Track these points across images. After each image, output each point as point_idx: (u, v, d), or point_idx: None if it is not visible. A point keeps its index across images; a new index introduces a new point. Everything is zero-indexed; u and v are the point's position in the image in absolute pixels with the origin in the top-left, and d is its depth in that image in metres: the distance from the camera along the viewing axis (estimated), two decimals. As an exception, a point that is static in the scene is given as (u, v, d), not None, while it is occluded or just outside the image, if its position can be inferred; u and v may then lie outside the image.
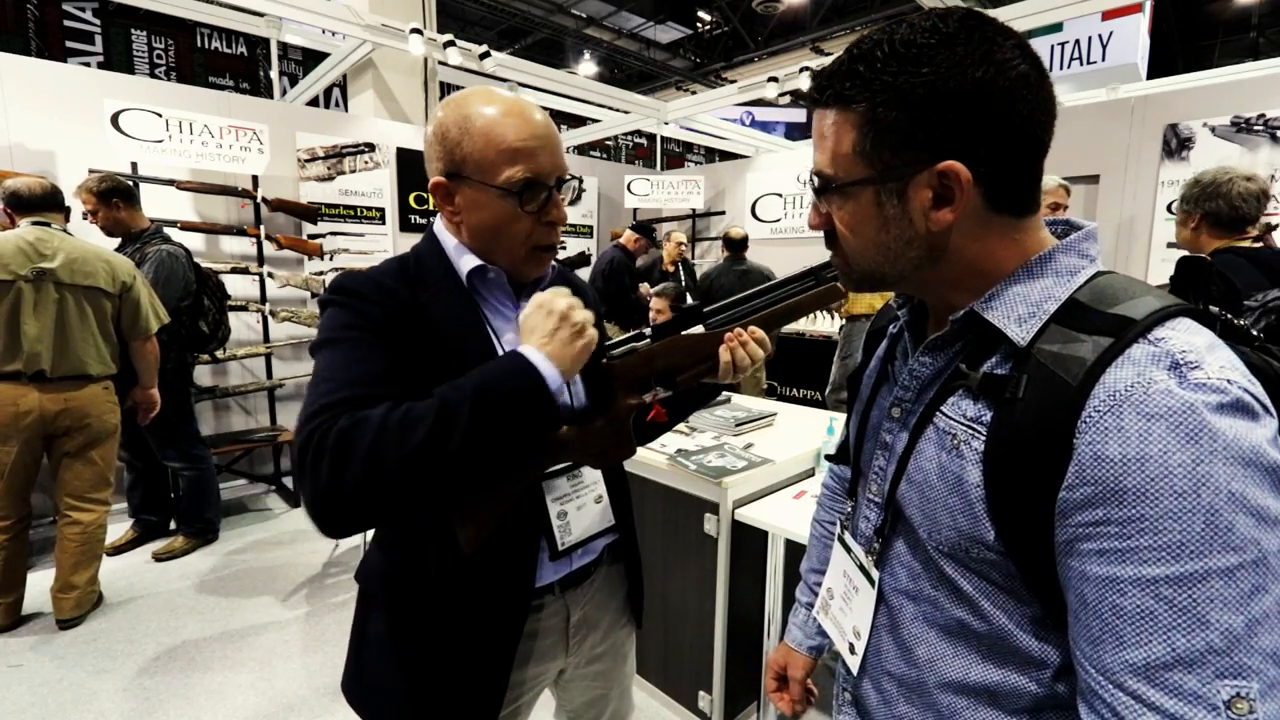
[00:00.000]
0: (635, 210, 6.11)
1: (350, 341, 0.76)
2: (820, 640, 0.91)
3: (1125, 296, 0.51)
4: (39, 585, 2.57)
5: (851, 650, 0.70)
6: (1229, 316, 0.53)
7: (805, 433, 2.24)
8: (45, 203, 2.38)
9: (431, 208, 4.66)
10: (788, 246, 5.64)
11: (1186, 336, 0.47)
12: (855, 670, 0.69)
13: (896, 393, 0.65)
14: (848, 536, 0.73)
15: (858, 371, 0.80)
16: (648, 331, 0.86)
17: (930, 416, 0.59)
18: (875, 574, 0.66)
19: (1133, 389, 0.45)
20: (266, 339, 3.93)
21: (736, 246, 4.62)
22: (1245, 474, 0.43)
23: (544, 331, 0.75)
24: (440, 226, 0.90)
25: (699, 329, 0.82)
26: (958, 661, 0.58)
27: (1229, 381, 0.44)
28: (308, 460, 0.66)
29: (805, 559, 0.97)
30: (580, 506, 0.93)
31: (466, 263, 0.86)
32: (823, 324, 5.22)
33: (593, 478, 0.96)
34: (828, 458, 0.94)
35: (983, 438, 0.53)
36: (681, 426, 2.21)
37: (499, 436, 0.70)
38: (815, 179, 0.59)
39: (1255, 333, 0.54)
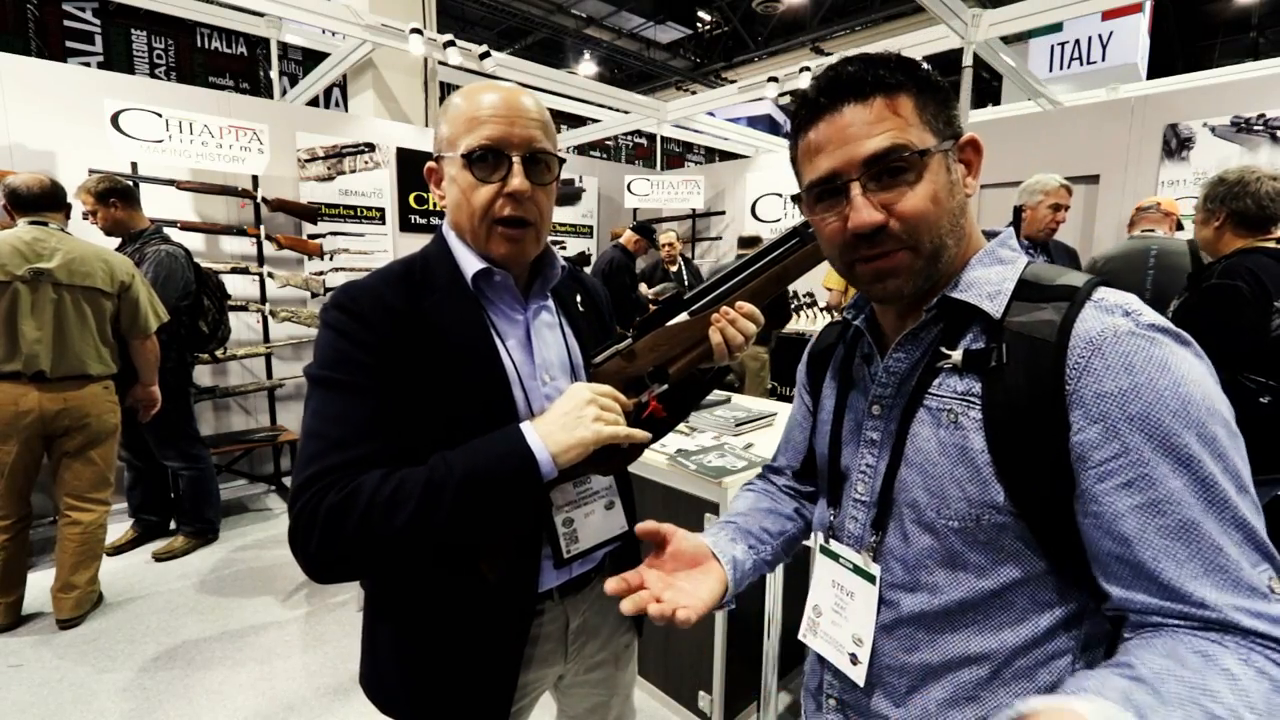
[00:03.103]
0: (635, 210, 6.12)
1: (340, 386, 0.76)
2: (733, 548, 0.76)
3: (1061, 274, 0.61)
4: (39, 585, 2.57)
5: (854, 660, 0.68)
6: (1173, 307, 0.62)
7: (805, 433, 2.24)
8: (43, 202, 2.37)
9: (431, 208, 4.67)
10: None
11: (1119, 295, 0.57)
12: (861, 680, 0.67)
13: (875, 391, 0.68)
14: (834, 544, 0.73)
15: (814, 391, 0.82)
16: (633, 331, 0.84)
17: (919, 401, 0.63)
18: (875, 569, 0.67)
19: (1104, 333, 0.53)
20: (266, 339, 3.93)
21: (745, 244, 4.64)
22: (1211, 394, 0.52)
23: (558, 413, 0.76)
24: (447, 226, 0.90)
25: (683, 317, 0.81)
26: (957, 636, 0.61)
27: (1168, 323, 0.54)
28: (300, 532, 0.71)
29: (733, 508, 0.88)
30: (589, 514, 0.91)
31: (471, 266, 0.85)
32: (823, 324, 5.22)
33: (603, 484, 0.94)
34: (795, 475, 0.88)
35: (978, 406, 0.58)
36: (681, 426, 2.21)
37: (484, 515, 0.72)
38: (892, 154, 0.57)
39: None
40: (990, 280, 0.61)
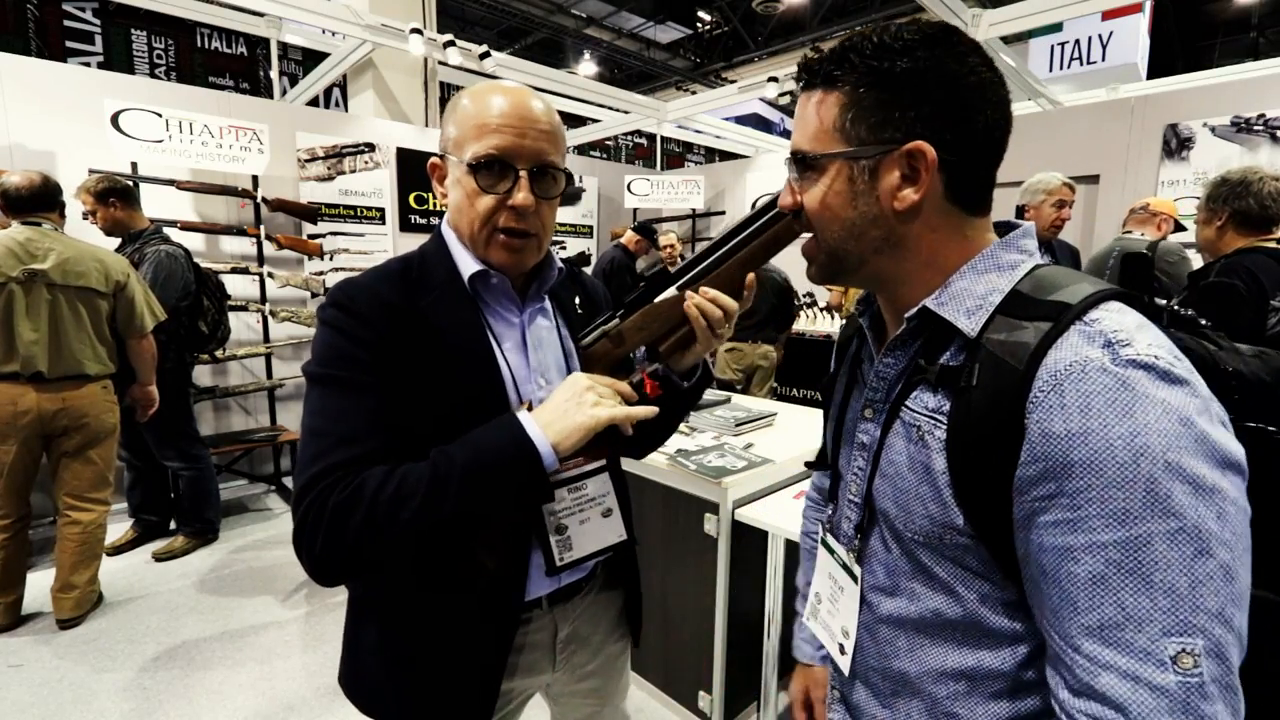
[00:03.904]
0: (635, 210, 6.12)
1: (340, 384, 0.76)
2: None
3: (1062, 285, 0.55)
4: (39, 585, 2.57)
5: (841, 650, 0.71)
6: (1168, 303, 0.56)
7: (805, 433, 2.24)
8: (36, 202, 2.36)
9: (431, 208, 4.67)
10: (790, 246, 5.64)
11: (1117, 317, 0.51)
12: (846, 670, 0.70)
13: (866, 394, 0.68)
14: (830, 539, 0.75)
15: (830, 380, 0.82)
16: (621, 311, 0.83)
17: (897, 411, 0.62)
18: (858, 570, 0.68)
19: (1071, 368, 0.49)
20: (266, 339, 3.93)
21: None
22: (1179, 444, 0.45)
23: (558, 401, 0.76)
24: (445, 224, 0.89)
25: (671, 292, 0.79)
26: (936, 650, 0.60)
27: (1156, 356, 0.48)
28: (305, 532, 0.71)
29: (800, 572, 0.97)
30: (583, 521, 0.89)
31: (468, 267, 0.84)
32: (823, 324, 5.22)
33: (599, 490, 0.90)
34: (808, 465, 0.93)
35: (944, 426, 0.56)
36: (681, 426, 2.21)
37: (488, 507, 0.72)
38: (793, 156, 0.63)
39: (1191, 314, 0.58)
40: (975, 292, 0.57)
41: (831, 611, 0.74)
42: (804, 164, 0.62)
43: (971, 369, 0.55)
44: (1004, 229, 0.63)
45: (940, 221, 0.59)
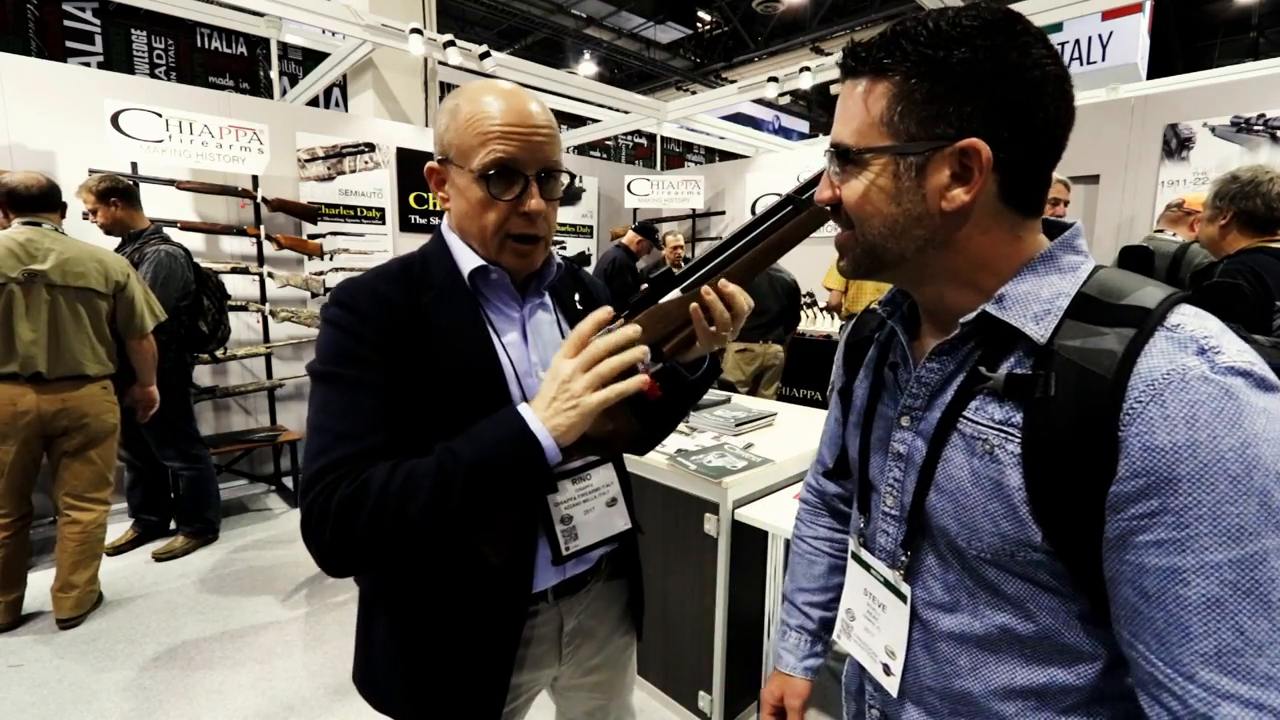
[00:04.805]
0: (635, 210, 6.12)
1: (344, 381, 0.77)
2: (815, 661, 0.89)
3: (1131, 288, 0.52)
4: (39, 585, 2.57)
5: (887, 671, 0.67)
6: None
7: (805, 433, 2.24)
8: (40, 202, 2.36)
9: (431, 208, 4.67)
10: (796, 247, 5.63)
11: (1199, 322, 0.49)
12: (895, 691, 0.66)
13: (905, 401, 0.64)
14: (865, 553, 0.71)
15: (847, 385, 0.78)
16: (626, 313, 0.84)
17: (952, 423, 0.58)
18: (906, 589, 0.64)
19: (1169, 376, 0.46)
20: (266, 339, 3.93)
21: None
22: None
23: (547, 397, 0.73)
24: (446, 225, 0.90)
25: (676, 293, 0.80)
26: (1003, 667, 0.58)
27: (1251, 363, 0.46)
28: (312, 525, 0.71)
29: (789, 579, 0.94)
30: (589, 510, 0.90)
31: (468, 263, 0.85)
32: (823, 324, 5.22)
33: (604, 480, 0.91)
34: (827, 474, 0.91)
35: (1017, 440, 0.53)
36: (681, 426, 2.21)
37: (493, 500, 0.72)
38: (834, 149, 0.58)
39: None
40: (1040, 296, 0.54)
41: (870, 630, 0.69)
42: (845, 158, 0.57)
43: (1047, 378, 0.51)
44: (1052, 229, 0.60)
45: (992, 224, 0.55)
